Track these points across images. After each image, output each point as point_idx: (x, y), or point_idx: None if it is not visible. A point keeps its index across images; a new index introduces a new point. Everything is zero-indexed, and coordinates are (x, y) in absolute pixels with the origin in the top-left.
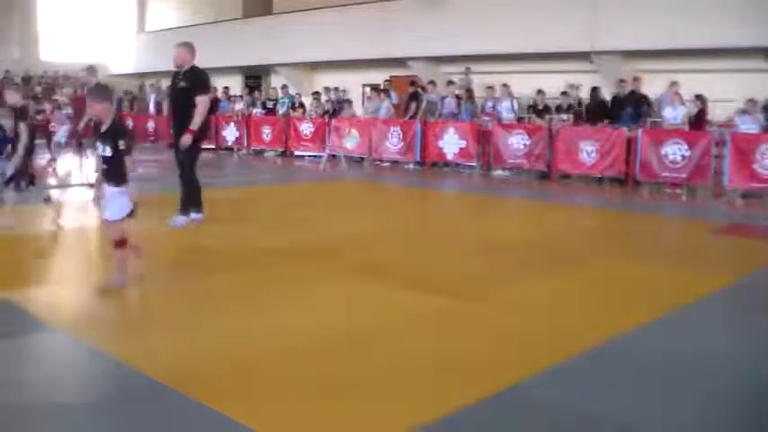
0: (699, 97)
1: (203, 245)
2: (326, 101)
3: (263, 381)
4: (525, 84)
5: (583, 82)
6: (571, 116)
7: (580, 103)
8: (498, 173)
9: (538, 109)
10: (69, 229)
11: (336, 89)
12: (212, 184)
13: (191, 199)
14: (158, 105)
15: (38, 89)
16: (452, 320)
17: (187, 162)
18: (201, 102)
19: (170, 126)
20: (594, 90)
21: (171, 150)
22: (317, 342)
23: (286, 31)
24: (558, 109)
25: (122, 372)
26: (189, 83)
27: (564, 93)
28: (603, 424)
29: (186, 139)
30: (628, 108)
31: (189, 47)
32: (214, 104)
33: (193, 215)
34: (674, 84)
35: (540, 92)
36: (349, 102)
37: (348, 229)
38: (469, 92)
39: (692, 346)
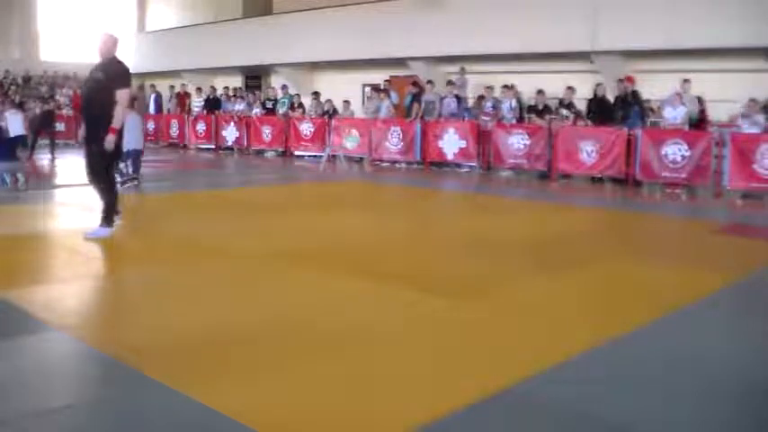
0: (698, 98)
1: (204, 245)
2: (326, 101)
3: (264, 380)
4: (525, 84)
5: (583, 82)
6: (572, 114)
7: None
8: (505, 173)
9: (538, 109)
10: (69, 230)
11: (329, 100)
12: (213, 185)
13: (111, 206)
14: (158, 105)
15: (43, 89)
16: (452, 320)
17: (103, 163)
18: (123, 96)
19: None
20: (598, 87)
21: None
22: (316, 341)
23: (286, 31)
24: (561, 103)
25: (122, 371)
26: (106, 75)
27: (569, 87)
28: (603, 424)
29: (110, 140)
30: (620, 110)
31: (113, 37)
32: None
33: (104, 229)
34: (686, 81)
35: (540, 92)
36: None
37: (348, 228)
38: (483, 95)
39: (692, 346)
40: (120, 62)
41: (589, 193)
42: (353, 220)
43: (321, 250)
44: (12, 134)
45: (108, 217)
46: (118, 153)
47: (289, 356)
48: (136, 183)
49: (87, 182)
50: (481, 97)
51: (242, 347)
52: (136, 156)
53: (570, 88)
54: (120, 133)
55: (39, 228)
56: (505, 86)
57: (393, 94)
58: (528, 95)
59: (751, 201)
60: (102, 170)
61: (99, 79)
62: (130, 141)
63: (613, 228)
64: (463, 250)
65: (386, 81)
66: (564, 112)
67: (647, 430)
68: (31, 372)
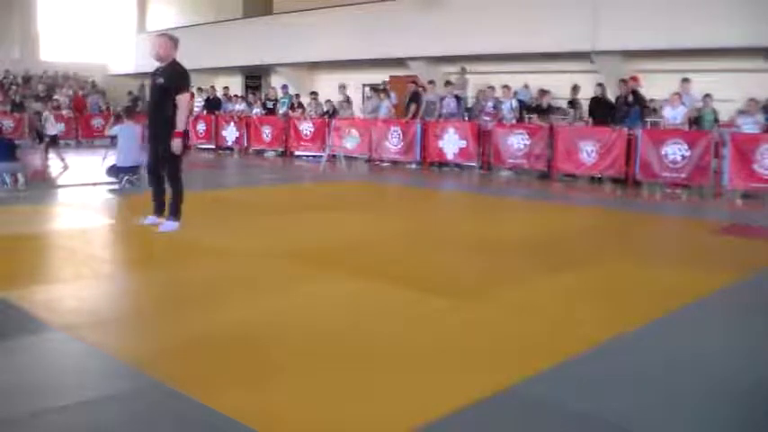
0: (707, 96)
1: (204, 245)
2: (326, 101)
3: (264, 380)
4: (527, 84)
5: (583, 82)
6: (572, 111)
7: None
8: (505, 173)
9: (542, 108)
10: (69, 229)
11: (329, 100)
12: (213, 185)
13: (179, 200)
14: None
15: (40, 88)
16: (452, 320)
17: (172, 164)
18: (182, 100)
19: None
20: (598, 87)
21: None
22: (317, 342)
23: (286, 31)
24: (571, 103)
25: (122, 371)
26: (167, 80)
27: (575, 87)
28: (603, 424)
29: (177, 144)
30: (622, 110)
31: (171, 39)
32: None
33: (172, 223)
34: (685, 80)
35: (544, 92)
36: (347, 102)
37: (348, 229)
38: (483, 92)
39: (692, 346)
40: (178, 65)
41: (589, 193)
42: (354, 220)
43: (321, 250)
44: (49, 132)
45: (176, 211)
46: (186, 149)
47: (289, 356)
48: (136, 178)
49: (149, 181)
50: (482, 93)
51: (242, 347)
52: (132, 172)
53: (575, 87)
54: (186, 134)
55: (39, 228)
56: (505, 86)
57: (392, 94)
58: (528, 96)
59: (751, 201)
60: (174, 169)
61: (161, 84)
62: (129, 158)
63: (613, 228)
64: (463, 250)
65: (384, 82)
66: (570, 111)
67: (646, 430)
68: (32, 372)
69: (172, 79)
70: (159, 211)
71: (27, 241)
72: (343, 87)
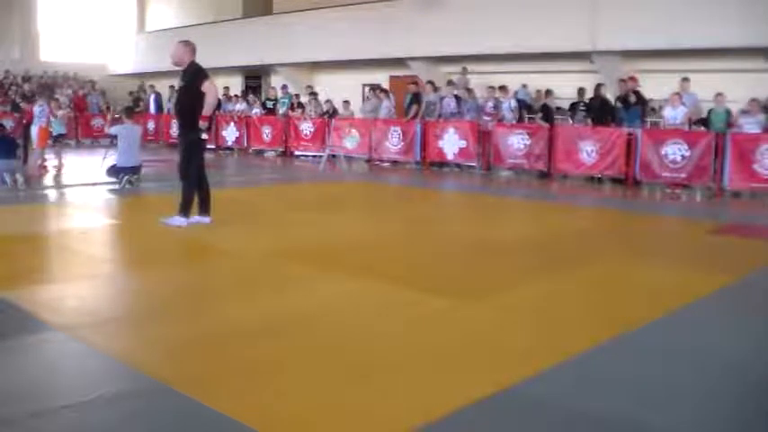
0: (720, 95)
1: (204, 244)
2: (326, 101)
3: (264, 380)
4: (525, 84)
5: (583, 82)
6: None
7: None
8: (505, 173)
9: (548, 107)
10: (70, 229)
11: (329, 100)
12: (212, 184)
13: (187, 200)
14: (158, 105)
15: (26, 87)
16: (452, 320)
17: (187, 161)
18: (207, 87)
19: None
20: (598, 88)
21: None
22: (317, 342)
23: (286, 31)
24: (573, 107)
25: (122, 371)
26: (184, 80)
27: (580, 90)
28: (603, 424)
29: (203, 126)
30: (621, 110)
31: (186, 44)
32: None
33: (179, 219)
34: (685, 80)
35: (549, 92)
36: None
37: (348, 229)
38: (470, 91)
39: (692, 346)
40: (194, 64)
41: (589, 193)
42: (354, 220)
43: (321, 250)
44: (55, 133)
45: (183, 209)
46: (204, 147)
47: (289, 356)
48: (136, 178)
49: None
50: (468, 93)
51: (241, 347)
52: (132, 172)
53: (581, 91)
54: (209, 119)
55: (39, 228)
56: (502, 87)
57: (391, 95)
58: (527, 96)
59: (751, 201)
60: (187, 164)
61: (181, 86)
62: (129, 158)
63: (613, 228)
64: (463, 250)
65: (376, 85)
66: (577, 117)
67: (647, 430)
68: (32, 372)
69: (188, 78)
70: (204, 210)
71: (27, 241)
72: (310, 87)
